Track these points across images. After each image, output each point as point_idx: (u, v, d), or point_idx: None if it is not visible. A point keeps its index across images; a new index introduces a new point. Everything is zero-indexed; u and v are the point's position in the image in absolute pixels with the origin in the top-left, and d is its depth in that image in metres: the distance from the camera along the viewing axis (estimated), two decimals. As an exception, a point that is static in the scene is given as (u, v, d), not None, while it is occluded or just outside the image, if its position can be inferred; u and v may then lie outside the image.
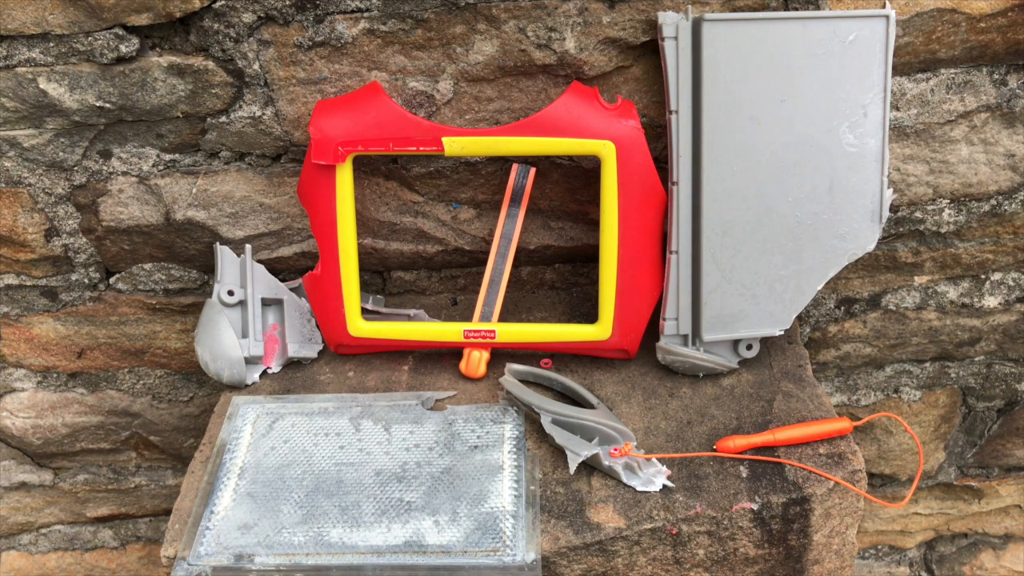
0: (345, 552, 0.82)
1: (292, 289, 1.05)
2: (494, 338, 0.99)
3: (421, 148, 0.92)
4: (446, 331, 1.00)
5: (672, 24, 0.89)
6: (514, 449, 0.90)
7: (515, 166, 1.02)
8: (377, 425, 0.94)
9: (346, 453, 0.91)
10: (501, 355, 1.03)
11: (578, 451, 0.86)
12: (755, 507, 0.83)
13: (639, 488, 0.85)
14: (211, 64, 0.94)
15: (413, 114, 0.94)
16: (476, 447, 0.91)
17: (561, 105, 0.92)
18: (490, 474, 0.88)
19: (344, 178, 0.94)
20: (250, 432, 0.94)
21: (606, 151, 0.92)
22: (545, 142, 0.92)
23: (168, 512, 0.85)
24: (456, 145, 0.92)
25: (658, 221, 0.95)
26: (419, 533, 0.83)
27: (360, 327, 1.00)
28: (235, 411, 0.97)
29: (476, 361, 1.00)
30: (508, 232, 1.02)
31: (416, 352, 1.05)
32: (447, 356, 1.04)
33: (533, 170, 1.02)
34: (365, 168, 1.03)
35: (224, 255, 1.02)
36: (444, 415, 0.95)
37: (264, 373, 1.03)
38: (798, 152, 0.92)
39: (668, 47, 0.90)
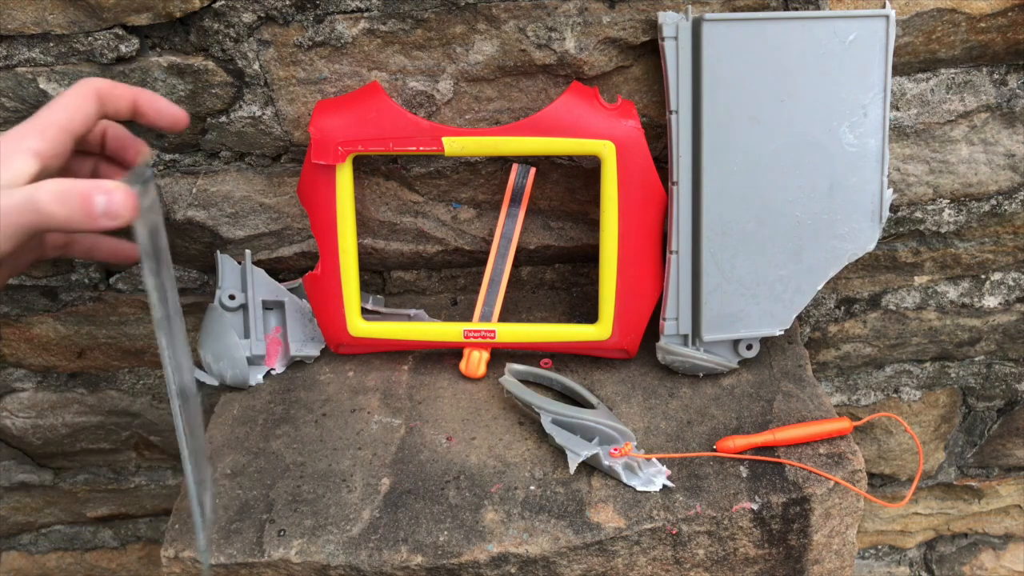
0: None
1: (292, 289, 1.05)
2: (494, 338, 0.99)
3: (421, 148, 0.92)
4: (446, 331, 1.00)
5: (672, 24, 0.89)
6: None
7: (515, 166, 1.02)
8: None
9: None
10: (501, 355, 1.03)
11: (578, 451, 0.86)
12: (755, 507, 0.83)
13: (639, 488, 0.85)
14: (211, 64, 0.94)
15: (413, 114, 0.94)
16: None
17: (561, 105, 0.91)
18: None
19: (344, 178, 0.94)
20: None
21: (606, 151, 0.92)
22: (545, 142, 0.92)
23: (168, 512, 0.85)
24: (456, 145, 0.92)
25: (658, 221, 0.95)
26: None
27: (360, 327, 1.00)
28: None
29: (476, 361, 1.00)
30: (508, 232, 1.02)
31: (416, 352, 1.05)
32: (447, 356, 1.04)
33: (533, 170, 1.02)
34: (365, 168, 1.03)
35: (225, 263, 1.02)
36: None
37: (268, 374, 1.03)
38: (798, 152, 0.92)
39: (668, 47, 0.90)
